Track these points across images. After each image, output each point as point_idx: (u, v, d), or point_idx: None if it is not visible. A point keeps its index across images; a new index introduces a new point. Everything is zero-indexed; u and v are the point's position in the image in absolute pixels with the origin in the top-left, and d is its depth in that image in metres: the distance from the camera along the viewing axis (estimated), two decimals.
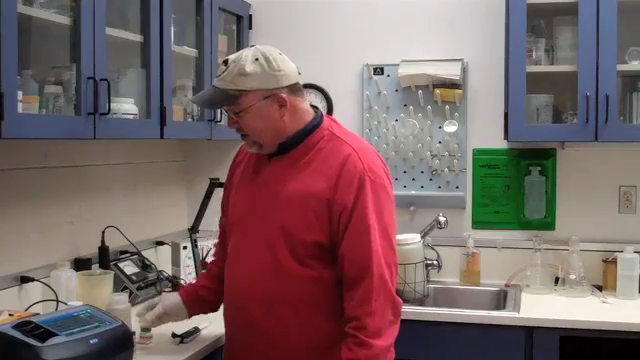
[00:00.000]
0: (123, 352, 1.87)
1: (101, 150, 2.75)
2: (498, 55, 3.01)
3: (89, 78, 2.05)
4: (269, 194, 1.95)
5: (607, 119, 2.74)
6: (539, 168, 3.12)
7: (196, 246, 2.89)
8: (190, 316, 2.21)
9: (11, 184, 2.30)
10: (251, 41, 3.31)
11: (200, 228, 2.91)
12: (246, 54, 1.88)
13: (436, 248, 3.14)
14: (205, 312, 2.23)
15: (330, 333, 1.89)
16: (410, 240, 2.87)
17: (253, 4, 3.38)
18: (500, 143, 3.11)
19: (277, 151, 1.97)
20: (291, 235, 1.89)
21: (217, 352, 2.27)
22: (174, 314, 2.18)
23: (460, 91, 3.15)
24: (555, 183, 3.13)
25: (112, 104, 2.14)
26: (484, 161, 3.20)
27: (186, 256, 2.99)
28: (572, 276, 2.89)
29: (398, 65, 3.20)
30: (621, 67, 2.78)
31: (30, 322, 1.75)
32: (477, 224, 3.21)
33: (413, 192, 3.24)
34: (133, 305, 2.40)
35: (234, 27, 3.29)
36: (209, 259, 2.93)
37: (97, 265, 2.63)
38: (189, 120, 2.84)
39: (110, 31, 2.18)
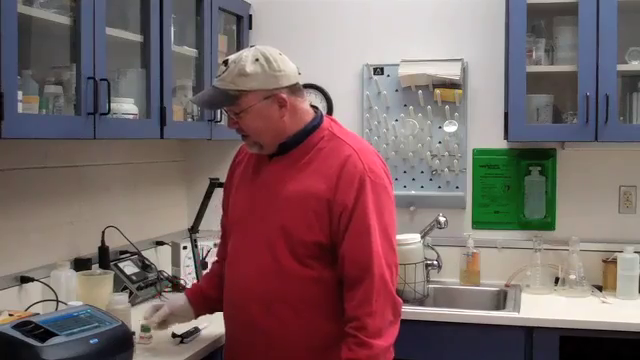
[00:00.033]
0: (123, 352, 1.87)
1: (101, 150, 2.75)
2: (498, 55, 3.01)
3: (89, 78, 2.05)
4: (269, 194, 1.95)
5: (607, 119, 2.74)
6: (539, 168, 3.12)
7: (196, 246, 2.89)
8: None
9: (11, 184, 2.30)
10: (251, 41, 3.31)
11: (200, 228, 2.91)
12: (246, 54, 1.88)
13: (436, 248, 3.14)
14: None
15: (330, 333, 1.89)
16: (410, 240, 2.87)
17: (253, 4, 3.38)
18: (500, 143, 3.11)
19: (277, 151, 1.97)
20: (291, 235, 1.89)
21: (217, 352, 2.27)
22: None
23: (460, 91, 3.15)
24: (555, 183, 3.13)
25: (112, 104, 2.14)
26: (484, 161, 3.20)
27: (186, 256, 2.99)
28: (572, 276, 2.89)
29: (398, 65, 3.20)
30: (621, 67, 2.78)
31: (30, 322, 1.75)
32: (477, 224, 3.21)
33: (413, 192, 3.24)
34: (133, 305, 2.40)
35: (234, 27, 3.29)
36: (209, 259, 2.94)
37: (97, 265, 2.63)
38: (189, 120, 2.84)
39: (110, 31, 2.18)
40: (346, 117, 3.07)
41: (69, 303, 2.12)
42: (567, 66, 2.88)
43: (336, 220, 1.87)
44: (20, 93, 1.84)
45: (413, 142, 3.23)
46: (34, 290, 2.32)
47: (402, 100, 3.25)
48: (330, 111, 3.29)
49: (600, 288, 2.93)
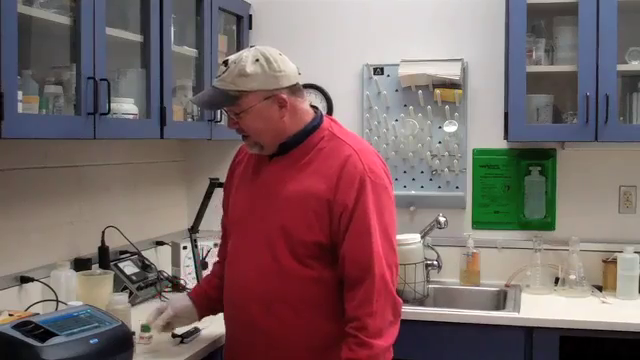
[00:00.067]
0: (123, 352, 1.87)
1: (101, 150, 2.75)
2: (498, 55, 3.01)
3: (89, 78, 2.05)
4: (269, 194, 1.95)
5: (607, 119, 2.74)
6: (539, 168, 3.12)
7: (196, 246, 2.89)
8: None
9: (11, 184, 2.30)
10: (251, 41, 3.31)
11: (200, 228, 2.91)
12: (246, 55, 1.88)
13: (436, 248, 3.14)
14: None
15: (330, 333, 1.90)
16: (410, 240, 2.87)
17: (253, 4, 3.38)
18: (500, 143, 3.11)
19: (277, 151, 1.97)
20: (291, 235, 1.89)
21: (217, 352, 2.27)
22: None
23: (460, 91, 3.15)
24: (555, 183, 3.13)
25: (112, 104, 2.14)
26: (484, 161, 3.20)
27: (186, 256, 2.99)
28: (572, 276, 2.89)
29: (398, 65, 3.20)
30: (621, 67, 2.78)
31: (30, 322, 1.75)
32: (477, 224, 3.21)
33: (413, 192, 3.24)
34: (133, 305, 2.40)
35: (234, 27, 3.29)
36: (209, 259, 2.94)
37: (97, 265, 2.63)
38: (189, 120, 2.84)
39: (110, 31, 2.18)
40: (346, 117, 3.07)
41: (69, 303, 2.12)
42: (567, 66, 2.88)
43: (336, 220, 1.87)
44: (20, 93, 1.84)
45: (413, 142, 3.22)
46: (34, 290, 2.32)
47: (402, 100, 3.25)
48: (330, 111, 3.29)
49: (600, 288, 2.93)
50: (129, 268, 2.75)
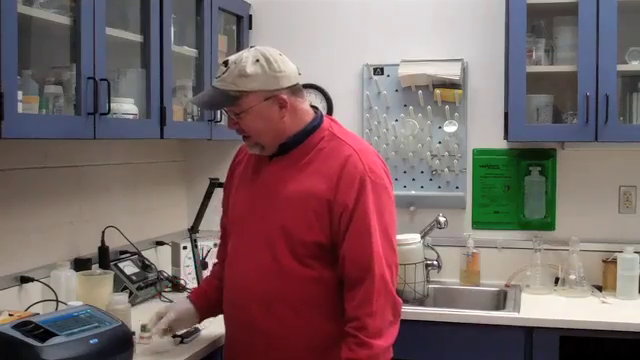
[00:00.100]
0: (123, 352, 1.87)
1: (101, 150, 2.75)
2: (498, 55, 3.01)
3: (89, 78, 2.05)
4: (269, 194, 1.95)
5: (607, 119, 2.74)
6: (539, 168, 3.12)
7: (196, 246, 2.89)
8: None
9: (11, 184, 2.30)
10: (251, 41, 3.31)
11: (200, 228, 2.91)
12: (246, 55, 1.88)
13: (436, 248, 3.14)
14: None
15: (330, 333, 1.90)
16: (410, 240, 2.87)
17: (253, 4, 3.37)
18: (500, 143, 3.11)
19: (277, 151, 1.97)
20: (291, 235, 1.89)
21: (217, 352, 2.27)
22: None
23: (460, 91, 3.15)
24: (555, 183, 3.13)
25: (112, 104, 2.14)
26: (484, 161, 3.20)
27: (186, 256, 2.99)
28: (572, 276, 2.89)
29: (398, 65, 3.20)
30: (621, 67, 2.78)
31: (30, 322, 1.75)
32: (477, 224, 3.21)
33: (413, 192, 3.24)
34: (133, 305, 2.40)
35: (234, 27, 3.29)
36: (209, 259, 2.94)
37: (97, 265, 2.63)
38: (189, 120, 2.84)
39: (110, 31, 2.18)
40: (346, 117, 3.07)
41: (69, 303, 2.11)
42: (567, 66, 2.88)
43: (336, 220, 1.87)
44: (20, 93, 1.84)
45: (413, 142, 3.22)
46: (34, 290, 2.32)
47: (402, 100, 3.25)
48: (330, 111, 3.29)
49: (600, 288, 2.93)
50: (129, 268, 2.75)
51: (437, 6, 3.22)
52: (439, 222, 3.03)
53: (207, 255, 2.98)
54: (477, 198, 3.21)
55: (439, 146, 3.21)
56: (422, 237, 2.99)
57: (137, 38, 2.42)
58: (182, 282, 2.96)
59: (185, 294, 2.80)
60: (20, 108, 1.84)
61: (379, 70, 3.27)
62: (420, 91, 3.18)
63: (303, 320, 1.91)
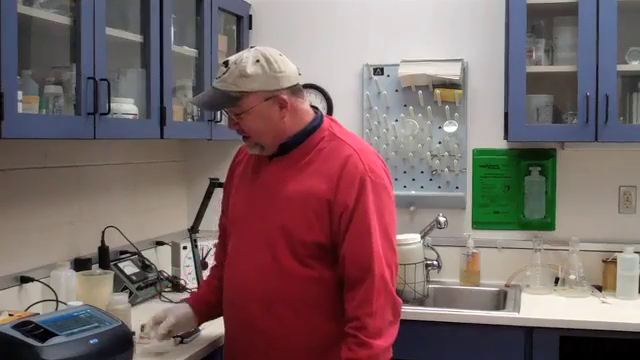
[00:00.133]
0: (123, 352, 1.87)
1: (101, 150, 2.75)
2: (498, 55, 3.01)
3: (89, 78, 2.05)
4: (269, 194, 1.95)
5: (607, 119, 2.74)
6: (539, 168, 3.12)
7: (196, 246, 2.89)
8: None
9: (11, 184, 2.30)
10: (251, 41, 3.31)
11: (200, 228, 2.91)
12: (247, 55, 1.88)
13: (436, 248, 3.14)
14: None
15: (330, 333, 1.90)
16: (410, 240, 2.87)
17: (253, 4, 3.37)
18: (500, 143, 3.11)
19: (277, 152, 1.97)
20: (292, 235, 1.89)
21: (217, 352, 2.27)
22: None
23: (460, 91, 3.15)
24: (555, 183, 3.13)
25: (112, 104, 2.14)
26: (484, 161, 3.20)
27: (186, 256, 2.99)
28: (572, 276, 2.89)
29: (398, 65, 3.20)
30: (621, 67, 2.78)
31: (30, 322, 1.75)
32: (477, 224, 3.21)
33: (413, 192, 3.24)
34: (133, 305, 2.40)
35: (234, 27, 3.29)
36: (209, 259, 2.93)
37: (97, 265, 2.63)
38: (189, 120, 2.84)
39: (110, 31, 2.18)
40: (346, 117, 3.07)
41: (69, 303, 2.11)
42: (567, 66, 2.88)
43: (337, 220, 1.87)
44: (20, 93, 1.84)
45: (413, 142, 3.22)
46: (34, 290, 2.32)
47: (402, 100, 3.25)
48: (330, 111, 3.29)
49: (600, 288, 2.93)
50: (129, 268, 2.75)
51: (437, 6, 3.22)
52: (439, 222, 3.03)
53: (207, 255, 2.98)
54: (477, 198, 3.21)
55: (439, 146, 3.21)
56: (422, 237, 2.99)
57: (137, 38, 2.42)
58: (182, 282, 2.96)
59: (185, 294, 2.81)
60: (20, 108, 1.84)
61: (379, 70, 3.27)
62: (420, 91, 3.18)
63: (303, 320, 1.91)
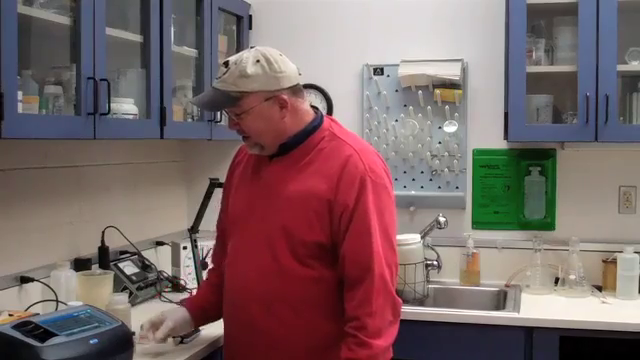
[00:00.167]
0: (123, 352, 1.87)
1: (101, 150, 2.75)
2: (498, 55, 3.01)
3: (89, 78, 2.05)
4: (270, 194, 1.95)
5: (607, 119, 2.74)
6: (539, 168, 3.12)
7: (196, 246, 2.89)
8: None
9: (11, 184, 2.30)
10: (251, 41, 3.31)
11: (200, 228, 2.91)
12: (247, 56, 1.88)
13: (436, 248, 3.14)
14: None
15: (330, 333, 1.90)
16: (410, 240, 2.87)
17: (253, 4, 3.37)
18: (500, 143, 3.11)
19: (278, 152, 1.97)
20: (292, 235, 1.89)
21: (217, 352, 2.27)
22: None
23: (460, 91, 3.15)
24: (555, 183, 3.13)
25: (112, 104, 2.14)
26: (484, 161, 3.20)
27: (186, 256, 2.99)
28: (572, 276, 2.89)
29: (398, 65, 3.20)
30: (621, 67, 2.78)
31: (30, 322, 1.75)
32: (477, 224, 3.21)
33: (413, 192, 3.24)
34: (133, 305, 2.40)
35: (234, 27, 3.29)
36: (209, 259, 2.93)
37: (97, 265, 2.63)
38: (189, 120, 2.84)
39: (110, 31, 2.18)
40: (346, 117, 3.07)
41: (69, 303, 2.11)
42: (567, 66, 2.88)
43: (337, 220, 1.87)
44: (20, 93, 1.84)
45: (413, 142, 3.22)
46: (34, 290, 2.32)
47: (402, 100, 3.25)
48: (330, 111, 3.29)
49: (600, 288, 2.93)
50: (129, 268, 2.74)
51: (437, 6, 3.22)
52: (439, 222, 3.03)
53: (207, 255, 2.97)
54: (477, 198, 3.21)
55: (439, 146, 3.21)
56: (422, 237, 2.99)
57: (137, 38, 2.42)
58: (182, 282, 2.96)
59: (185, 294, 2.81)
60: (20, 108, 1.83)
61: (379, 70, 3.26)
62: (420, 91, 3.18)
63: (303, 320, 1.91)
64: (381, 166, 1.95)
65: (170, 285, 2.94)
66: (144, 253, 2.90)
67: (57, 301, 2.27)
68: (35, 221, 2.40)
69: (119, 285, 2.62)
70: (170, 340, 2.17)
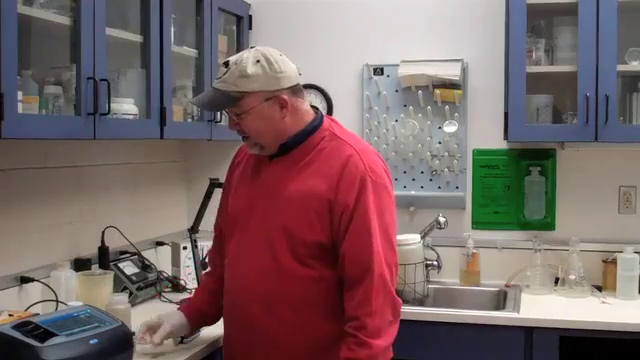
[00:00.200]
0: (123, 352, 1.87)
1: (101, 150, 2.75)
2: (498, 55, 3.01)
3: (89, 78, 2.05)
4: (270, 194, 1.95)
5: (607, 119, 2.74)
6: (539, 168, 3.12)
7: (196, 246, 2.89)
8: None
9: (11, 184, 2.30)
10: (251, 41, 3.31)
11: (200, 228, 2.91)
12: (247, 56, 1.88)
13: (436, 248, 3.14)
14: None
15: (330, 333, 1.90)
16: (410, 240, 2.87)
17: (253, 4, 3.37)
18: (500, 143, 3.11)
19: (278, 152, 1.97)
20: (293, 235, 1.89)
21: (217, 352, 2.27)
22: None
23: (460, 91, 3.15)
24: (555, 183, 3.13)
25: (112, 104, 2.14)
26: (484, 161, 3.20)
27: (186, 256, 2.99)
28: (572, 276, 2.89)
29: (398, 65, 3.20)
30: (621, 67, 2.78)
31: (30, 322, 1.75)
32: (477, 224, 3.21)
33: (413, 192, 3.24)
34: (133, 305, 2.40)
35: (234, 27, 3.29)
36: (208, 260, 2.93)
37: (97, 265, 2.63)
38: (189, 120, 2.84)
39: (110, 31, 2.18)
40: (346, 117, 3.07)
41: (69, 303, 2.11)
42: (567, 66, 2.88)
43: (337, 220, 1.87)
44: (20, 93, 1.84)
45: (413, 142, 3.23)
46: (34, 290, 2.32)
47: (402, 100, 3.25)
48: (330, 111, 3.29)
49: (600, 288, 2.93)
50: (129, 268, 2.74)
51: (437, 6, 3.22)
52: (439, 222, 3.03)
53: (207, 255, 2.97)
54: (477, 198, 3.21)
55: (439, 146, 3.21)
56: (422, 237, 2.99)
57: (137, 38, 2.42)
58: (182, 282, 2.96)
59: (185, 294, 2.81)
60: (20, 108, 1.83)
61: (379, 70, 3.26)
62: (420, 91, 3.18)
63: (303, 320, 1.91)
64: (381, 166, 1.95)
65: (170, 285, 2.94)
66: (144, 253, 2.90)
67: (57, 301, 2.27)
68: (35, 221, 2.40)
69: (119, 285, 2.62)
70: (170, 340, 2.17)
